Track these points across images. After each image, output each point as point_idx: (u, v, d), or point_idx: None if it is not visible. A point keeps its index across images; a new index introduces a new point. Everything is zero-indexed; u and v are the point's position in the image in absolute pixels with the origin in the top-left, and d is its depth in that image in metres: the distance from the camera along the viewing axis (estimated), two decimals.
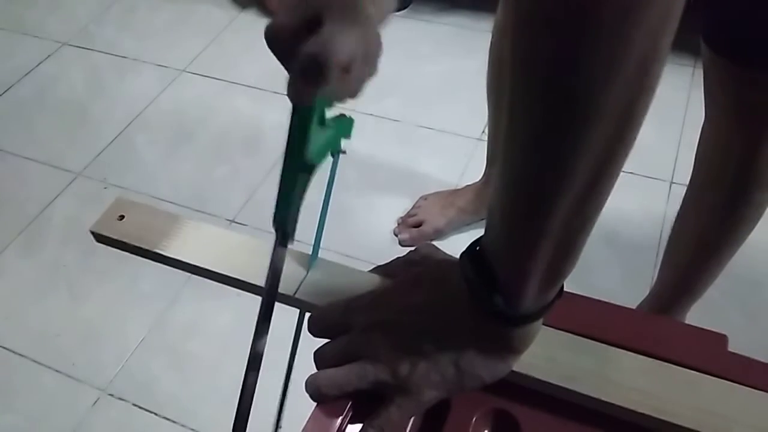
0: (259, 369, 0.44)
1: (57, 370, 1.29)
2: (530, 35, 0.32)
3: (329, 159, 0.52)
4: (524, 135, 0.35)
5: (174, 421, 1.20)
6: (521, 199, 0.38)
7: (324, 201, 0.54)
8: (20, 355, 1.32)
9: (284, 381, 0.49)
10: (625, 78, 0.31)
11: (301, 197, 0.48)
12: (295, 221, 0.49)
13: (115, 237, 0.56)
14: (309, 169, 0.47)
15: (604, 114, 0.32)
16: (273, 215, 0.48)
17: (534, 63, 0.32)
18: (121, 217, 0.57)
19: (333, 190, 0.55)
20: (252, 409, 0.44)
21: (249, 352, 0.44)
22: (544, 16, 0.30)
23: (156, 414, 1.21)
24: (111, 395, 1.25)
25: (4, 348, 1.33)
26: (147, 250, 0.55)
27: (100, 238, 0.57)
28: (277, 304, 0.48)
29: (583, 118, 0.32)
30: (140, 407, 1.23)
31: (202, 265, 0.54)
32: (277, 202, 0.48)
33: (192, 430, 1.19)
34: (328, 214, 0.54)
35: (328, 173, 0.54)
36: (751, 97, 0.81)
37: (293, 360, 0.51)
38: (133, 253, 0.56)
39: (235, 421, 0.43)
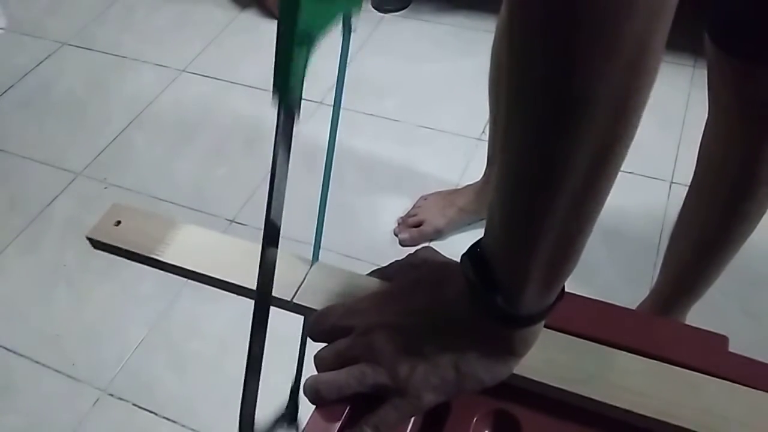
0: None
1: (57, 370, 1.29)
2: (524, 28, 0.32)
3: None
4: (521, 132, 0.35)
5: (174, 421, 1.20)
6: (519, 198, 0.38)
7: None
8: (20, 355, 1.32)
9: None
10: (618, 71, 0.31)
11: (303, 70, 0.43)
12: (299, 94, 0.44)
13: (111, 243, 0.56)
14: (306, 41, 0.42)
15: (598, 109, 0.32)
16: (273, 81, 0.43)
17: (528, 55, 0.32)
18: (118, 223, 0.57)
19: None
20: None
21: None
22: (538, 6, 0.30)
23: (156, 414, 1.21)
24: (111, 395, 1.25)
25: (4, 348, 1.33)
26: (143, 256, 0.55)
27: (97, 244, 0.57)
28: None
29: (578, 112, 0.32)
30: (140, 407, 1.23)
31: (198, 270, 0.54)
32: (275, 70, 0.42)
33: (192, 430, 1.19)
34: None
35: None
36: (754, 93, 0.81)
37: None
38: (129, 258, 0.56)
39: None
